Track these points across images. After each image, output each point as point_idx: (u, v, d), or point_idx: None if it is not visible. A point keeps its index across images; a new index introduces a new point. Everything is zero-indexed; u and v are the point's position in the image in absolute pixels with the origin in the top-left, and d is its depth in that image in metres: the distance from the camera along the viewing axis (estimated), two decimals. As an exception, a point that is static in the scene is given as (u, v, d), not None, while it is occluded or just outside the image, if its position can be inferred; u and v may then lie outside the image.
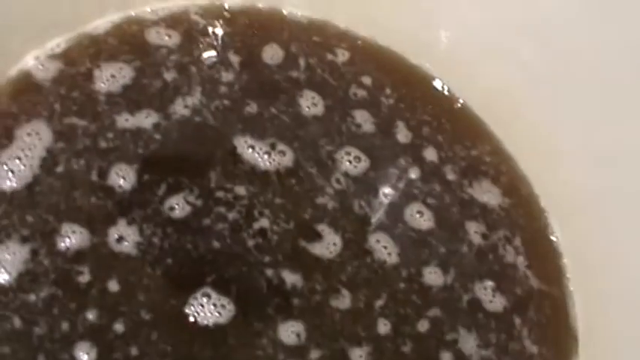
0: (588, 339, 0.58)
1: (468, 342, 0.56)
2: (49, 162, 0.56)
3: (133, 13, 0.63)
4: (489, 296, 0.58)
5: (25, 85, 0.59)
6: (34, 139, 0.56)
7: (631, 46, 0.55)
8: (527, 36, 0.61)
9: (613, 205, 0.57)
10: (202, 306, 0.53)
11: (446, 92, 0.66)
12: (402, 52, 0.66)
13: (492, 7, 0.62)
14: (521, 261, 0.60)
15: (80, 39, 0.61)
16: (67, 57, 0.60)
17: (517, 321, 0.58)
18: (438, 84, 0.66)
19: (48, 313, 0.51)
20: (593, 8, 0.57)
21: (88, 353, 0.50)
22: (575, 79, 0.59)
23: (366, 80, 0.65)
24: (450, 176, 0.62)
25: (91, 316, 0.51)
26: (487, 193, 0.62)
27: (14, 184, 0.55)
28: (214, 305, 0.53)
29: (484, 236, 0.60)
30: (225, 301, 0.53)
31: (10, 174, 0.55)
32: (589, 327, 0.58)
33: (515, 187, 0.63)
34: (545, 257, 0.61)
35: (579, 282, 0.60)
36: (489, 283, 0.58)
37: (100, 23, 0.62)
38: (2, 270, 0.52)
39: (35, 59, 0.60)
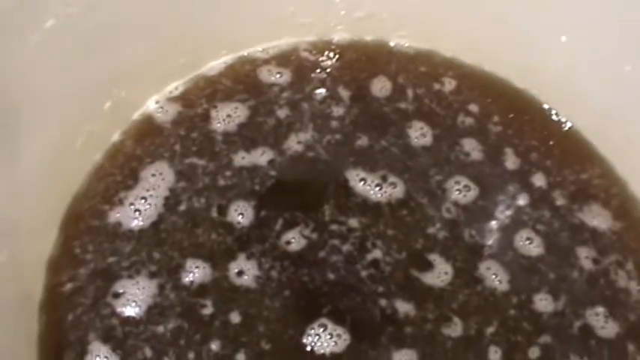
0: None
1: (580, 369, 0.56)
2: (172, 201, 0.59)
3: (245, 53, 0.66)
4: (601, 322, 0.58)
5: (148, 128, 0.63)
6: (157, 180, 0.60)
7: None
8: (634, 56, 0.61)
9: None
10: (319, 336, 0.55)
11: (554, 116, 0.66)
12: (508, 78, 0.67)
13: (597, 29, 0.61)
14: (633, 286, 0.59)
15: (196, 81, 0.65)
16: (184, 99, 0.64)
17: (630, 348, 0.57)
18: (545, 108, 0.66)
19: (175, 344, 0.54)
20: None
21: (213, 382, 0.54)
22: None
23: (473, 108, 0.66)
24: (559, 201, 0.62)
25: (214, 346, 0.54)
26: (597, 217, 0.62)
27: (141, 223, 0.58)
28: (330, 335, 0.55)
29: (595, 261, 0.60)
30: (340, 330, 0.55)
31: (136, 213, 0.59)
32: None
33: (626, 210, 0.63)
34: (659, 281, 0.61)
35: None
36: (601, 309, 0.58)
37: (215, 65, 0.66)
38: (133, 304, 0.56)
39: (156, 103, 0.63)
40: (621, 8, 0.59)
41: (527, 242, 0.60)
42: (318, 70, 0.66)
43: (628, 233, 0.62)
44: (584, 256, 0.60)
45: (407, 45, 0.68)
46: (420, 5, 0.65)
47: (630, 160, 0.63)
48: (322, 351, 0.54)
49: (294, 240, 0.58)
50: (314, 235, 0.58)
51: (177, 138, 0.62)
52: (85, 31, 0.56)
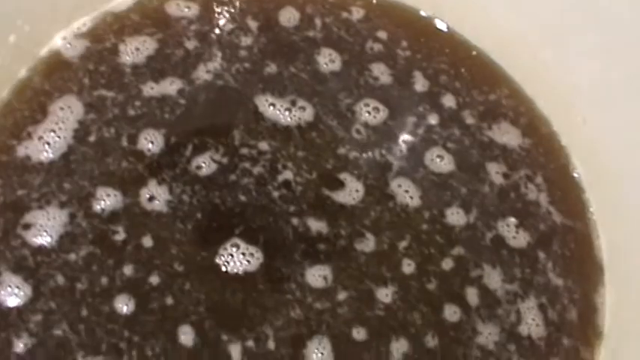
0: (614, 268, 0.59)
1: (493, 277, 0.57)
2: (81, 132, 0.59)
3: (153, -13, 0.66)
4: (512, 233, 0.59)
5: (55, 63, 0.62)
6: (66, 113, 0.59)
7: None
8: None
9: (632, 138, 0.58)
10: (232, 255, 0.55)
11: (462, 40, 0.67)
12: (416, 6, 0.67)
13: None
14: (543, 198, 0.61)
15: (104, 17, 0.64)
16: (92, 35, 0.63)
17: (541, 255, 0.58)
18: (452, 34, 0.67)
19: (88, 270, 0.54)
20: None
21: (126, 305, 0.53)
22: (586, 18, 0.60)
23: (382, 35, 0.66)
24: (469, 120, 0.63)
25: (127, 270, 0.54)
26: (507, 135, 0.63)
27: (50, 155, 0.58)
28: (243, 254, 0.55)
29: (505, 176, 0.61)
30: (253, 250, 0.55)
31: (46, 146, 0.58)
32: (614, 257, 0.59)
33: (534, 127, 0.64)
34: (567, 193, 0.62)
35: (602, 215, 0.61)
36: (512, 220, 0.59)
37: (122, 0, 0.65)
38: (44, 233, 0.55)
39: (63, 39, 0.63)
40: None
41: (438, 159, 0.61)
42: (226, 3, 0.66)
43: (537, 149, 0.63)
44: (495, 171, 0.61)
45: (316, -27, 0.68)
46: None
47: (536, 79, 0.64)
48: (235, 270, 0.55)
49: (205, 164, 0.58)
50: (224, 160, 0.58)
51: (86, 72, 0.61)
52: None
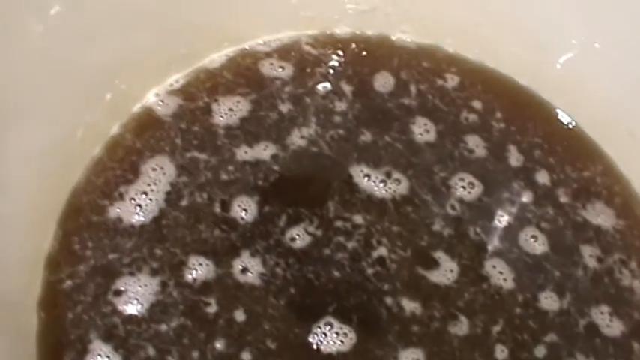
0: None
1: (586, 367, 0.57)
2: (173, 196, 0.58)
3: (246, 47, 0.66)
4: (606, 321, 0.58)
5: (148, 121, 0.62)
6: (158, 174, 0.59)
7: None
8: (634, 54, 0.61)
9: None
10: (325, 334, 0.54)
11: (557, 113, 0.66)
12: (511, 74, 0.67)
13: (598, 26, 0.62)
14: (637, 284, 0.60)
15: (197, 74, 0.64)
16: (185, 92, 0.63)
17: (636, 346, 0.58)
18: (548, 105, 0.66)
19: (179, 342, 0.54)
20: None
21: (218, 382, 0.53)
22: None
23: (477, 104, 0.66)
24: (563, 199, 0.62)
25: (219, 345, 0.54)
26: (601, 215, 0.62)
27: (142, 218, 0.57)
28: (337, 334, 0.54)
29: (599, 259, 0.60)
30: (347, 329, 0.55)
31: (137, 209, 0.58)
32: None
33: (629, 208, 0.63)
34: (663, 279, 0.61)
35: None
36: (605, 308, 0.58)
37: (216, 57, 0.65)
38: (135, 301, 0.55)
39: (155, 96, 0.62)
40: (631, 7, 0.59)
41: (532, 240, 0.60)
42: (320, 65, 0.66)
43: (631, 231, 0.62)
44: (589, 254, 0.60)
45: (409, 40, 0.68)
46: (423, 0, 0.65)
47: (633, 157, 0.63)
48: (329, 350, 0.54)
49: (299, 236, 0.58)
50: (318, 232, 0.58)
51: (178, 131, 0.61)
52: (86, 20, 0.55)
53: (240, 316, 0.55)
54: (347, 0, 0.65)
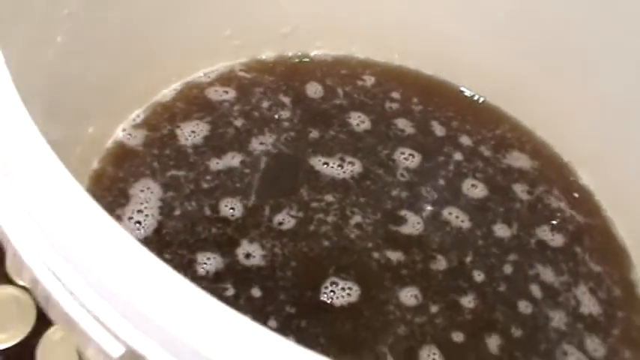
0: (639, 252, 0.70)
1: (547, 273, 0.66)
2: (166, 209, 0.64)
3: (190, 79, 0.73)
4: (550, 236, 0.69)
5: (123, 153, 0.67)
6: (147, 194, 0.64)
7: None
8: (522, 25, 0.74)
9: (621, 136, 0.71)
10: (334, 292, 0.61)
11: (462, 91, 0.79)
12: (417, 67, 0.79)
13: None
14: (564, 205, 0.72)
15: (154, 108, 0.70)
16: (148, 124, 0.69)
17: (578, 250, 0.69)
18: (454, 86, 0.79)
19: (208, 327, 0.59)
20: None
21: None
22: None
23: (395, 95, 0.77)
24: (487, 153, 0.74)
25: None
26: (519, 160, 0.74)
27: (143, 232, 0.62)
28: (343, 289, 0.61)
29: (529, 192, 0.72)
30: (350, 283, 0.62)
31: (137, 225, 0.62)
32: (636, 242, 0.71)
33: (538, 151, 0.76)
34: (581, 197, 0.73)
35: (616, 210, 0.72)
36: (546, 227, 0.69)
37: (166, 92, 0.71)
38: (157, 303, 0.59)
39: (123, 131, 0.68)
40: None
41: (473, 188, 0.70)
42: (258, 85, 0.74)
43: (546, 168, 0.74)
44: (520, 190, 0.72)
45: (324, 54, 0.78)
46: (330, 18, 0.76)
47: (533, 111, 0.76)
48: (341, 303, 0.61)
49: (285, 220, 0.65)
50: (300, 214, 0.65)
51: (153, 157, 0.67)
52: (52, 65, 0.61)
53: (256, 292, 0.60)
54: (270, 23, 0.74)
